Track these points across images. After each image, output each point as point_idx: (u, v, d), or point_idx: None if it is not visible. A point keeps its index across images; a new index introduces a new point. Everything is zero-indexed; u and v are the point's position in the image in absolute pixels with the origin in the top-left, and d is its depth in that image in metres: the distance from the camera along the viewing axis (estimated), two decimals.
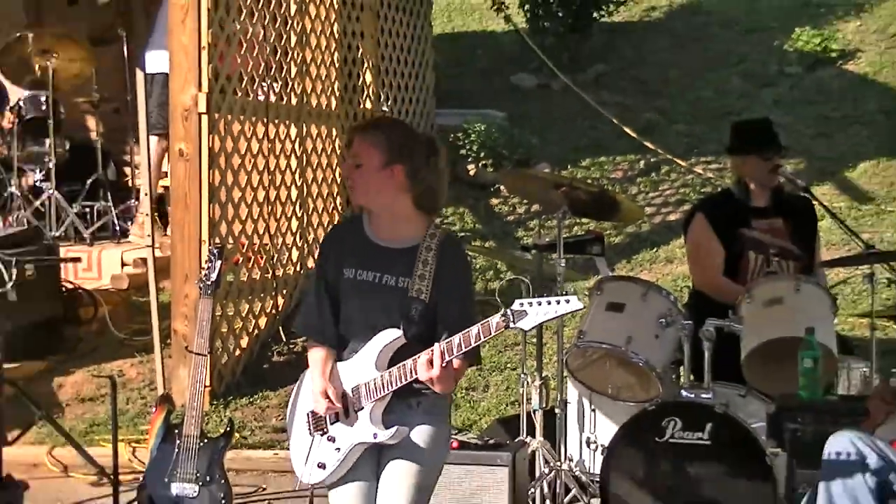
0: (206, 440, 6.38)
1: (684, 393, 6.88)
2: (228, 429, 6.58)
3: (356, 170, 5.18)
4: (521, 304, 4.86)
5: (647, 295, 7.24)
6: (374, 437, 5.09)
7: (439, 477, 5.34)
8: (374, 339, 5.10)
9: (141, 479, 6.41)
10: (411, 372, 4.99)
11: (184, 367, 8.55)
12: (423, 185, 5.19)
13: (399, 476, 5.10)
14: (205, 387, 6.65)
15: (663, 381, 7.05)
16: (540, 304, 4.87)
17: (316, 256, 5.64)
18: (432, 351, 4.93)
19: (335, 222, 11.25)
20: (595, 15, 15.30)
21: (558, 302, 4.86)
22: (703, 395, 6.79)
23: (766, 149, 7.70)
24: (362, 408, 5.12)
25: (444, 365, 4.91)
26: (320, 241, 5.63)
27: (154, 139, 10.50)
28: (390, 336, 5.09)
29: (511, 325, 4.89)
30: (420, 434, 5.15)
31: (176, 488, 6.26)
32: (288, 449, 5.45)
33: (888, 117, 13.92)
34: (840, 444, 5.42)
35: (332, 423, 5.20)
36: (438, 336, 5.05)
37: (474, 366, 5.45)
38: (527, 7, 15.20)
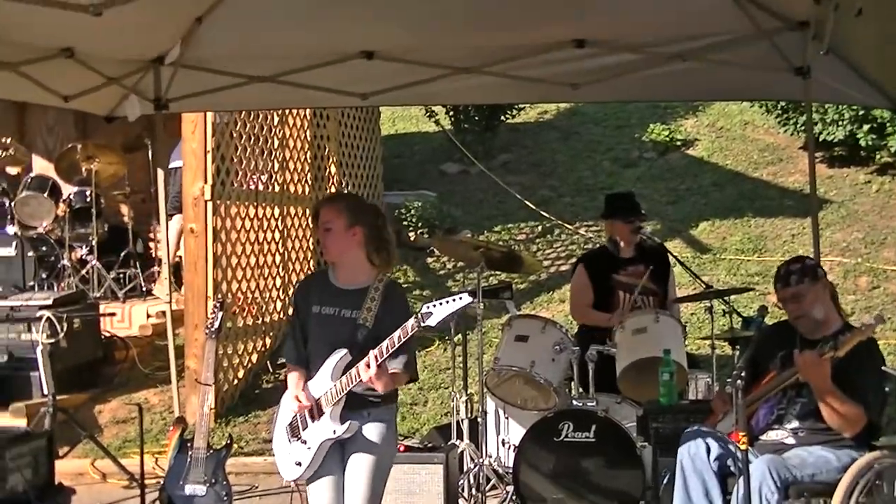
0: (211, 451, 6.34)
1: (575, 402, 6.84)
2: (229, 441, 6.54)
3: (327, 233, 5.25)
4: (427, 307, 4.95)
5: (546, 328, 7.23)
6: (334, 433, 5.09)
7: (391, 468, 5.31)
8: (329, 359, 5.11)
9: (162, 482, 6.31)
10: (357, 376, 4.99)
11: (195, 395, 8.46)
12: (376, 241, 5.27)
13: (360, 466, 5.11)
14: (210, 409, 6.61)
15: (559, 394, 7.04)
16: (441, 304, 4.95)
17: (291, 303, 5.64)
18: (368, 356, 4.94)
19: None
20: (502, 117, 15.32)
21: (454, 300, 4.92)
22: (589, 404, 6.75)
23: (629, 214, 7.72)
24: (324, 412, 5.11)
25: (378, 365, 4.92)
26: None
27: (175, 218, 10.48)
28: (339, 354, 5.11)
29: (423, 324, 4.93)
30: (373, 432, 5.15)
31: (189, 489, 6.22)
32: (274, 455, 5.36)
33: (719, 189, 13.96)
34: (691, 437, 5.41)
35: (304, 430, 5.18)
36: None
37: (415, 380, 5.42)
38: (451, 113, 15.22)
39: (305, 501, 5.28)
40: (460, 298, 4.98)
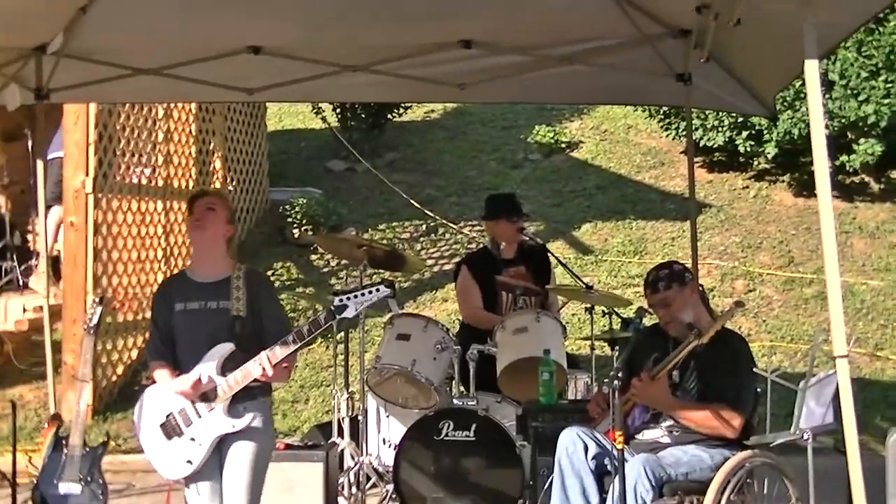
0: (87, 448, 6.22)
1: (455, 401, 6.88)
2: (105, 439, 6.46)
3: (209, 212, 5.29)
4: (340, 300, 5.00)
5: (428, 327, 7.24)
6: (233, 427, 5.10)
7: (270, 458, 5.32)
8: (211, 352, 5.14)
9: (35, 481, 6.18)
10: (249, 374, 5.02)
11: (72, 391, 8.31)
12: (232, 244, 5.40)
13: (242, 455, 5.12)
14: (87, 406, 6.51)
15: (440, 393, 7.06)
16: (356, 296, 5.03)
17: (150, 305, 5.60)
18: (261, 359, 4.99)
19: None
20: (389, 115, 15.32)
21: (371, 291, 4.96)
22: (469, 403, 6.79)
23: (512, 215, 7.77)
24: (213, 408, 5.09)
25: (273, 366, 4.98)
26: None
27: (54, 210, 10.27)
28: (225, 349, 5.10)
29: (337, 317, 5.00)
30: (254, 421, 5.15)
31: (63, 488, 6.07)
32: (147, 455, 5.31)
33: (602, 191, 14.15)
34: (569, 436, 5.45)
35: (188, 426, 5.14)
36: (266, 344, 5.07)
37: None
38: (338, 110, 15.17)
39: (184, 498, 5.25)
40: (377, 290, 5.00)
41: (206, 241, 5.31)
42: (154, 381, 5.34)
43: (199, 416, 5.13)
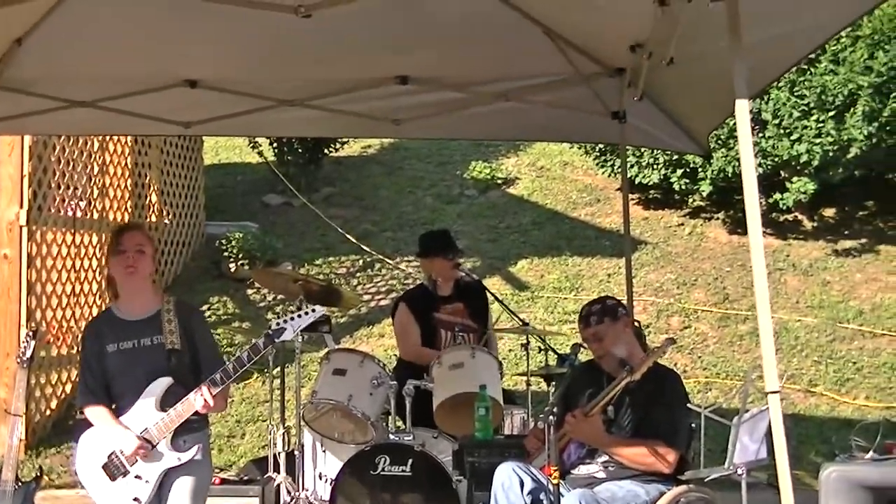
0: (20, 484, 6.09)
1: (391, 436, 6.85)
2: (38, 473, 6.29)
3: (141, 255, 5.28)
4: (278, 323, 5.10)
5: (364, 362, 7.21)
6: (179, 460, 5.11)
7: (208, 492, 5.34)
8: (149, 388, 5.14)
9: None
10: (191, 406, 5.02)
11: (3, 426, 8.23)
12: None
13: (184, 488, 5.12)
14: (20, 440, 6.40)
15: (376, 428, 7.03)
16: (293, 318, 5.14)
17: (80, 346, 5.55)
18: (201, 389, 5.01)
19: None
20: (325, 150, 15.33)
21: (307, 313, 5.04)
22: (406, 438, 6.77)
23: (446, 251, 7.78)
24: (157, 443, 5.08)
25: (214, 396, 5.00)
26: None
27: None
28: (163, 383, 5.11)
29: (276, 340, 5.07)
30: (197, 455, 5.15)
31: None
32: (91, 496, 5.27)
33: (538, 227, 14.23)
34: (505, 472, 5.45)
35: (132, 465, 5.11)
36: (203, 375, 5.12)
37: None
38: (275, 144, 15.16)
39: None
40: (313, 311, 5.05)
41: (136, 283, 5.29)
42: (85, 419, 5.29)
43: (145, 454, 5.11)
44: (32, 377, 9.18)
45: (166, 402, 5.08)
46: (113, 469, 5.13)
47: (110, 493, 5.14)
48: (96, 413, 5.21)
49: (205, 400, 4.99)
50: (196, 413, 5.09)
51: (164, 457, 5.08)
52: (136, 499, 5.09)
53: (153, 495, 5.10)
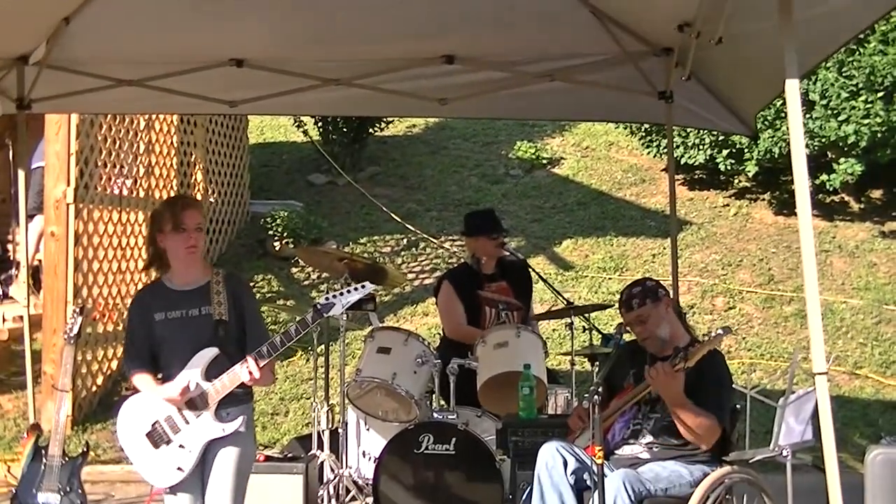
0: (67, 458, 6.20)
1: (435, 415, 6.87)
2: (85, 449, 6.42)
3: (200, 233, 5.31)
4: (327, 298, 5.11)
5: (408, 341, 7.22)
6: (223, 431, 5.12)
7: (252, 465, 5.35)
8: (195, 358, 5.13)
9: (14, 491, 6.16)
10: (237, 378, 5.04)
11: (51, 401, 8.29)
12: None
13: (228, 459, 5.13)
14: (67, 416, 6.49)
15: (420, 406, 7.05)
16: (342, 294, 5.09)
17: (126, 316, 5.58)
18: (247, 361, 5.02)
19: None
20: (370, 130, 15.33)
21: (356, 289, 5.05)
22: (449, 417, 6.79)
23: (491, 231, 7.77)
24: (201, 413, 5.10)
25: (260, 369, 4.99)
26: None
27: (36, 220, 10.23)
28: (209, 353, 5.12)
29: (324, 315, 5.09)
30: (241, 427, 5.16)
31: (42, 498, 6.05)
32: (134, 465, 5.29)
33: (583, 207, 14.18)
34: (549, 451, 5.45)
35: (176, 433, 5.14)
36: (248, 348, 5.12)
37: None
38: (320, 124, 15.17)
39: None
40: (362, 287, 5.05)
41: (194, 258, 5.30)
42: (134, 391, 5.33)
43: (187, 423, 5.13)
44: (79, 354, 9.24)
45: (211, 373, 5.09)
46: (156, 437, 5.15)
47: (153, 461, 5.16)
48: (141, 379, 5.24)
49: (251, 372, 5.01)
50: (241, 385, 5.10)
51: (207, 427, 5.10)
52: (179, 468, 5.11)
53: (196, 465, 5.12)
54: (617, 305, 5.82)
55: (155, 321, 5.21)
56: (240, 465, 5.15)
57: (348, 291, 5.08)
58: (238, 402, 5.18)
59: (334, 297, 5.06)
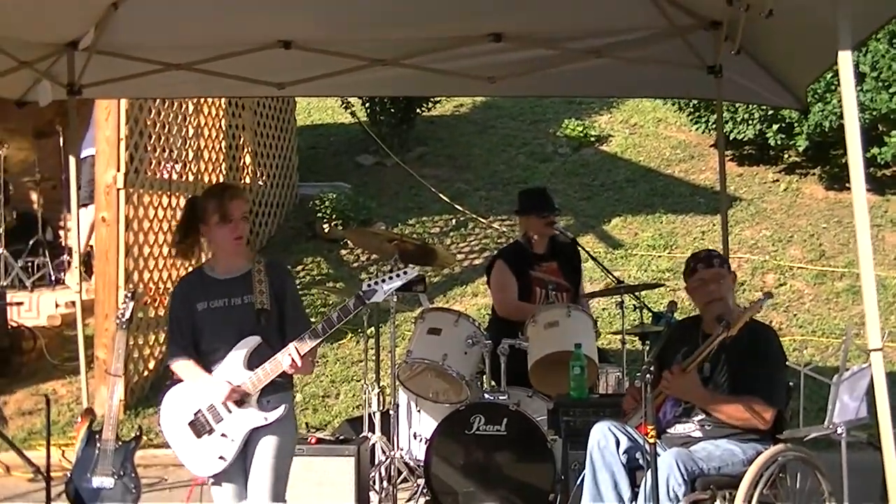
0: (120, 442, 6.23)
1: (486, 396, 6.86)
2: (138, 433, 6.44)
3: (245, 222, 5.29)
4: (369, 285, 5.06)
5: (458, 321, 7.23)
6: (266, 420, 5.11)
7: (295, 448, 5.35)
8: (237, 347, 5.13)
9: (69, 475, 6.21)
10: (279, 366, 5.03)
11: (104, 386, 8.38)
12: None
13: (268, 447, 5.11)
14: (120, 400, 6.54)
15: (471, 387, 7.05)
16: (384, 280, 5.06)
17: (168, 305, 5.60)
18: (289, 350, 5.00)
19: None
20: (418, 110, 15.32)
21: (398, 275, 5.02)
22: (500, 397, 6.79)
23: (543, 210, 7.74)
24: (244, 402, 5.09)
25: (302, 357, 4.98)
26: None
27: (89, 208, 10.31)
28: (251, 342, 5.12)
29: (367, 301, 5.05)
30: (279, 415, 5.13)
31: (96, 482, 6.08)
32: (177, 454, 5.31)
33: (632, 185, 14.11)
34: (600, 430, 5.42)
35: (218, 423, 5.13)
36: (288, 336, 5.10)
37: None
38: (367, 105, 15.18)
39: (210, 494, 5.27)
40: (404, 272, 5.03)
41: (239, 248, 5.29)
42: (176, 380, 5.34)
43: (230, 412, 5.13)
44: (131, 338, 9.30)
45: (253, 362, 5.08)
46: (199, 427, 5.15)
47: (196, 450, 5.17)
48: (184, 367, 5.23)
49: (292, 360, 4.99)
50: (283, 374, 5.10)
51: (250, 416, 5.10)
52: (221, 457, 5.11)
53: (238, 454, 5.12)
54: (686, 268, 5.77)
55: (197, 311, 5.20)
56: (282, 453, 5.14)
57: (390, 278, 5.04)
58: (279, 389, 5.17)
59: (376, 283, 5.03)
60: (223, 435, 5.12)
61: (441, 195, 13.77)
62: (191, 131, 11.41)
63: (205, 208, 5.21)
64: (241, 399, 5.10)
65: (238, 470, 5.16)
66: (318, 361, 10.32)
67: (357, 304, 5.05)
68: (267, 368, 5.05)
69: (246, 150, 12.83)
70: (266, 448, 5.12)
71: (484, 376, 7.13)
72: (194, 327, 5.23)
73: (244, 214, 5.25)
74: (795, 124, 12.76)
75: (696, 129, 14.54)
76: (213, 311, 5.19)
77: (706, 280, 5.60)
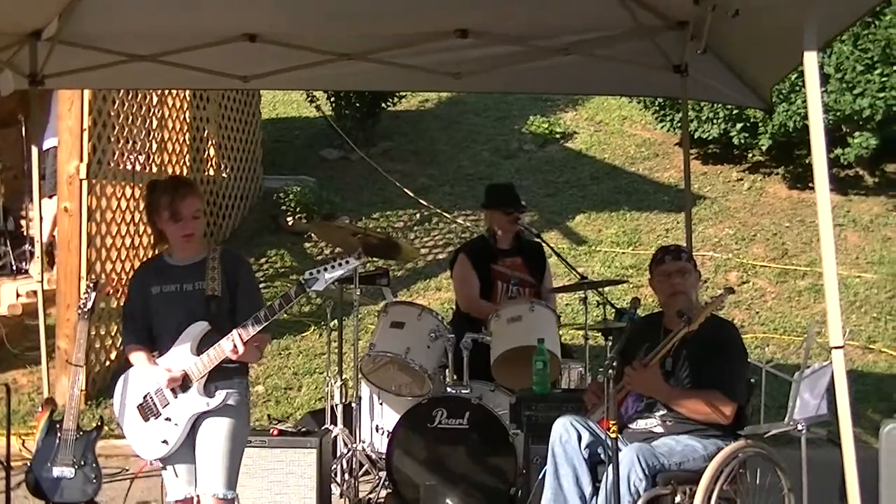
0: (81, 432, 6.23)
1: (449, 389, 6.89)
2: (99, 423, 6.44)
3: (196, 221, 5.25)
4: (311, 273, 5.05)
5: (422, 315, 7.23)
6: (208, 405, 5.11)
7: (247, 437, 5.36)
8: (186, 332, 5.14)
9: (29, 464, 6.19)
10: (222, 352, 5.03)
11: (65, 376, 8.35)
12: None
13: (216, 430, 5.11)
14: (81, 390, 6.52)
15: (433, 381, 7.05)
16: (326, 269, 5.03)
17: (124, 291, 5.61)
18: (232, 336, 5.00)
19: None
20: (383, 104, 15.30)
21: (340, 264, 4.98)
22: (463, 391, 6.80)
23: (509, 205, 7.75)
24: (189, 387, 5.10)
25: (244, 343, 4.98)
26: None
27: (54, 199, 10.22)
28: (199, 327, 5.12)
29: (307, 289, 5.04)
30: (229, 399, 5.14)
31: (56, 471, 6.08)
32: (126, 437, 5.34)
33: (596, 182, 14.17)
34: (563, 425, 5.45)
35: (164, 407, 5.16)
36: (237, 323, 5.08)
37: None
38: (332, 99, 15.16)
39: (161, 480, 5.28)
40: (346, 262, 5.02)
41: (192, 241, 5.28)
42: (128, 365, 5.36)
43: (175, 397, 5.13)
44: (92, 329, 9.27)
45: (203, 348, 5.09)
46: (146, 410, 5.18)
47: (142, 433, 5.19)
48: (136, 355, 5.27)
49: (234, 345, 5.00)
50: (234, 361, 5.10)
51: (193, 401, 5.10)
52: (164, 440, 5.12)
53: (182, 439, 5.12)
54: (652, 259, 5.84)
55: (151, 294, 5.22)
56: (230, 437, 5.11)
57: (332, 267, 5.03)
58: (229, 376, 5.16)
59: (318, 272, 5.03)
60: (168, 419, 5.14)
61: (405, 190, 13.78)
62: (154, 123, 11.36)
63: (157, 202, 5.21)
64: (185, 384, 5.11)
65: (185, 456, 5.16)
66: (282, 353, 10.32)
67: (298, 291, 5.05)
68: (211, 354, 5.05)
69: (210, 142, 12.79)
70: (210, 433, 5.11)
71: (447, 370, 7.13)
72: (147, 310, 5.25)
73: (195, 213, 5.21)
74: (760, 124, 12.85)
75: (661, 127, 14.60)
76: (165, 296, 5.19)
77: (671, 273, 5.64)
